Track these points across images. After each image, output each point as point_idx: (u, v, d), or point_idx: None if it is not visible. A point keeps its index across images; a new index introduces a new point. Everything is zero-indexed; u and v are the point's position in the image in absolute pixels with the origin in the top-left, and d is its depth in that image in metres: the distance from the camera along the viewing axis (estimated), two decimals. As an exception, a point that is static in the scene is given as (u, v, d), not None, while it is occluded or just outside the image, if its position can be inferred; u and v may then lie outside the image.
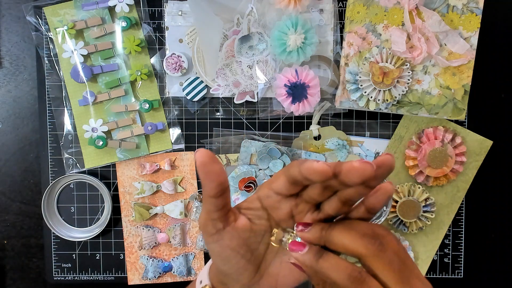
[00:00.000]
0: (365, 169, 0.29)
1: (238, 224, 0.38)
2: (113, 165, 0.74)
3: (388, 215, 0.69)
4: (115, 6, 0.69)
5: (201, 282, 0.43)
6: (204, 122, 0.73)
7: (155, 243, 0.74)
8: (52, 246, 0.75)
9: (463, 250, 0.74)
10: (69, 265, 0.75)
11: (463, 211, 0.74)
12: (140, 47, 0.70)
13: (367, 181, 0.31)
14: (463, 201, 0.73)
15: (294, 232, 0.37)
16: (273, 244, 0.38)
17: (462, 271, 0.74)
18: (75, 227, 0.75)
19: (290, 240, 0.36)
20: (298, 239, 0.36)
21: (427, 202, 0.72)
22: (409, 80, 0.66)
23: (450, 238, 0.74)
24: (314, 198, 0.35)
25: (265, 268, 0.40)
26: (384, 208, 0.68)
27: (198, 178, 0.74)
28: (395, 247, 0.32)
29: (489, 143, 0.72)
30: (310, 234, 0.35)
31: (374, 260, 0.31)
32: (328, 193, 0.35)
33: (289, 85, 0.68)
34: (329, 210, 0.36)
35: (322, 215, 0.36)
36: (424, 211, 0.72)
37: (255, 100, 0.71)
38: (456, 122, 0.72)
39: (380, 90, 0.66)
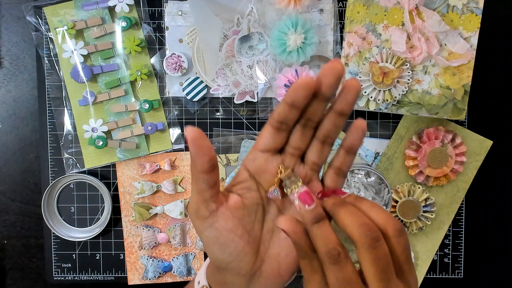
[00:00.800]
0: (336, 65, 0.32)
1: (230, 203, 0.37)
2: (113, 165, 0.74)
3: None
4: (115, 6, 0.69)
5: (199, 283, 0.42)
6: (204, 122, 0.73)
7: (155, 243, 0.74)
8: (52, 246, 0.75)
9: (463, 250, 0.74)
10: (69, 265, 0.75)
11: (463, 211, 0.74)
12: (140, 47, 0.70)
13: (338, 93, 0.34)
14: (463, 201, 0.73)
15: (299, 182, 0.35)
16: (273, 191, 0.37)
17: (462, 271, 0.74)
18: (75, 227, 0.75)
19: (296, 189, 0.35)
20: (302, 189, 0.35)
21: (427, 202, 0.72)
22: (409, 80, 0.66)
23: (450, 238, 0.74)
24: (297, 144, 0.37)
25: (264, 251, 0.38)
26: (384, 208, 0.68)
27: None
28: (396, 248, 0.32)
29: (489, 143, 0.72)
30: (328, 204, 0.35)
31: (363, 251, 0.31)
32: (309, 132, 0.36)
33: (289, 85, 0.68)
34: (312, 157, 0.37)
35: (308, 166, 0.38)
36: (424, 211, 0.72)
37: (255, 100, 0.71)
38: (456, 122, 0.72)
39: (380, 90, 0.66)
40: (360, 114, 0.72)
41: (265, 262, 0.38)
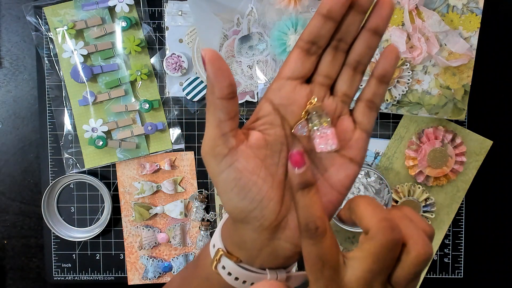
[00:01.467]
0: None
1: (251, 141, 0.32)
2: (113, 165, 0.74)
3: (388, 215, 0.68)
4: (115, 6, 0.69)
5: (214, 246, 0.37)
6: (204, 122, 0.73)
7: (155, 243, 0.74)
8: (52, 246, 0.75)
9: (463, 250, 0.74)
10: (69, 265, 0.75)
11: (463, 211, 0.74)
12: (140, 47, 0.70)
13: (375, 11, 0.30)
14: (463, 201, 0.73)
15: (325, 120, 0.32)
16: (300, 126, 0.32)
17: (462, 271, 0.74)
18: (75, 227, 0.75)
19: (319, 127, 0.31)
20: (328, 132, 0.31)
21: (427, 202, 0.72)
22: (409, 80, 0.66)
23: (450, 238, 0.74)
24: (328, 71, 0.32)
25: (289, 198, 0.33)
26: (384, 208, 0.68)
27: (198, 178, 0.74)
28: (407, 265, 0.29)
29: (489, 143, 0.72)
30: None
31: (367, 244, 0.29)
32: (340, 56, 0.32)
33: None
34: (343, 87, 0.33)
35: (338, 97, 0.33)
36: (424, 211, 0.72)
37: (255, 100, 0.71)
38: (456, 122, 0.72)
39: (380, 90, 0.66)
40: (360, 114, 0.72)
41: (291, 212, 0.33)
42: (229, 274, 0.35)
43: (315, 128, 0.32)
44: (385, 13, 0.30)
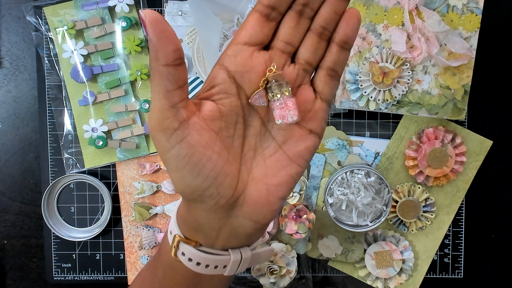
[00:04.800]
0: None
1: (204, 112, 0.30)
2: (113, 165, 0.74)
3: (388, 215, 0.69)
4: (115, 6, 0.69)
5: (171, 232, 0.34)
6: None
7: (155, 243, 0.74)
8: (52, 246, 0.75)
9: (463, 250, 0.74)
10: (69, 265, 0.75)
11: (463, 211, 0.74)
12: (140, 47, 0.70)
13: None
14: (463, 201, 0.73)
15: (286, 90, 0.30)
16: (258, 96, 0.30)
17: (462, 271, 0.74)
18: (75, 227, 0.75)
19: (279, 97, 0.30)
20: (289, 102, 0.30)
21: (427, 202, 0.72)
22: (409, 80, 0.66)
23: (450, 238, 0.74)
24: (289, 37, 0.30)
25: (247, 172, 0.32)
26: (384, 208, 0.68)
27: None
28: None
29: (489, 143, 0.72)
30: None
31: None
32: (304, 23, 0.30)
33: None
34: (306, 54, 0.30)
35: (300, 65, 0.31)
36: (424, 211, 0.72)
37: (255, 100, 0.71)
38: (456, 122, 0.72)
39: (380, 90, 0.66)
40: (360, 114, 0.73)
41: (248, 187, 0.31)
42: (190, 260, 0.33)
43: (274, 98, 0.30)
44: (353, 22, 0.30)
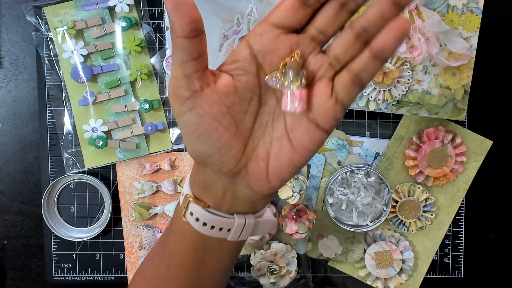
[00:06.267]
0: None
1: (219, 85, 0.30)
2: (113, 165, 0.74)
3: (388, 215, 0.69)
4: (115, 6, 0.69)
5: (183, 194, 0.36)
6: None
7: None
8: (52, 246, 0.75)
9: (463, 250, 0.74)
10: (69, 265, 0.75)
11: (463, 211, 0.74)
12: (140, 47, 0.70)
13: None
14: (463, 201, 0.73)
15: (298, 81, 0.29)
16: (275, 77, 0.30)
17: (462, 271, 0.74)
18: (75, 227, 0.75)
19: (291, 87, 0.29)
20: (297, 92, 0.29)
21: (427, 202, 0.72)
22: (409, 80, 0.66)
23: (450, 238, 0.74)
24: (324, 26, 0.29)
25: (252, 148, 0.33)
26: (384, 208, 0.68)
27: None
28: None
29: (489, 143, 0.72)
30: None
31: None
32: (344, 15, 0.29)
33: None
34: (337, 49, 0.29)
35: (328, 59, 0.29)
36: (424, 211, 0.72)
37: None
38: (456, 122, 0.72)
39: (380, 90, 0.66)
40: (360, 114, 0.73)
41: (251, 161, 0.33)
42: (197, 220, 0.35)
43: (286, 84, 0.29)
44: (396, 35, 0.27)
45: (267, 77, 0.30)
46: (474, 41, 0.65)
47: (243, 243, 0.38)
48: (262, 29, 0.30)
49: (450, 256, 0.74)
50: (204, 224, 0.35)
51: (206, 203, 0.35)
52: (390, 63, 0.65)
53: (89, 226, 0.75)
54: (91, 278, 0.75)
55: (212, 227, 0.35)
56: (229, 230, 0.35)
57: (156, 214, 0.74)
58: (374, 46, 0.27)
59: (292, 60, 0.29)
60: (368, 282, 0.73)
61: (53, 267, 0.75)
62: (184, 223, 0.36)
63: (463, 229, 0.74)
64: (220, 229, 0.35)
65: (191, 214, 0.35)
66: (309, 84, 0.30)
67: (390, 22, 0.27)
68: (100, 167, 0.74)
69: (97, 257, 0.75)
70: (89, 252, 0.75)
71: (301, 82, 0.29)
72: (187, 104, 0.30)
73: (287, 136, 0.32)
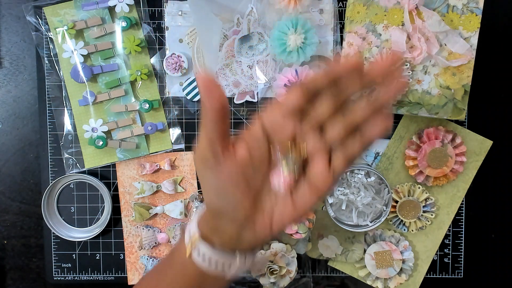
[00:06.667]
0: (395, 56, 0.32)
1: (237, 155, 0.36)
2: (113, 165, 0.74)
3: (388, 215, 0.69)
4: (115, 6, 0.69)
5: (190, 231, 0.41)
6: (204, 122, 0.73)
7: (155, 243, 0.74)
8: (52, 246, 0.75)
9: (463, 250, 0.74)
10: (69, 265, 0.75)
11: (463, 211, 0.74)
12: (140, 47, 0.70)
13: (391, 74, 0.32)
14: (463, 201, 0.73)
15: (287, 170, 0.36)
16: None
17: (462, 271, 0.74)
18: (75, 227, 0.75)
19: (283, 171, 0.36)
20: (286, 176, 0.36)
21: (427, 202, 0.72)
22: (409, 80, 0.66)
23: (450, 238, 0.74)
24: (320, 116, 0.34)
25: (260, 202, 0.38)
26: (384, 208, 0.68)
27: (198, 178, 0.74)
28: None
29: (489, 143, 0.72)
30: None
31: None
32: (338, 104, 0.34)
33: (289, 85, 0.68)
34: (332, 134, 0.34)
35: (324, 139, 0.35)
36: (424, 211, 0.72)
37: (255, 100, 0.71)
38: (456, 122, 0.72)
39: (380, 90, 0.66)
40: (360, 114, 0.72)
41: (258, 213, 0.38)
42: (203, 258, 0.39)
43: (282, 165, 0.36)
44: (395, 89, 0.33)
45: (277, 152, 0.37)
46: (474, 41, 0.65)
47: (235, 277, 0.43)
48: (273, 114, 0.36)
49: (450, 256, 0.74)
50: (209, 261, 0.39)
51: (214, 242, 0.40)
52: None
53: (89, 226, 0.75)
54: (91, 278, 0.75)
55: (216, 264, 0.40)
56: (229, 266, 0.40)
57: (156, 214, 0.74)
58: (365, 138, 0.34)
59: (293, 150, 0.35)
60: (368, 282, 0.73)
61: (53, 267, 0.75)
62: (186, 258, 0.40)
63: (463, 229, 0.74)
64: (222, 266, 0.40)
65: (198, 252, 0.40)
66: (308, 157, 0.36)
67: (378, 118, 0.33)
68: (100, 167, 0.74)
69: (97, 257, 0.75)
70: (89, 252, 0.75)
71: (293, 171, 0.35)
72: (211, 171, 0.36)
73: (291, 197, 0.37)
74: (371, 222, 0.69)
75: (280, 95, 0.37)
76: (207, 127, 0.35)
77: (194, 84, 0.71)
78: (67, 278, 0.75)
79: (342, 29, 0.70)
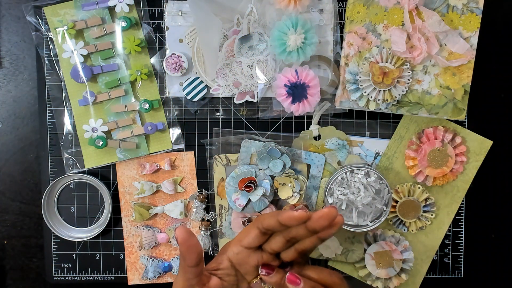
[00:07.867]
0: (331, 212, 0.41)
1: (211, 285, 0.46)
2: (113, 165, 0.74)
3: (388, 215, 0.69)
4: (115, 6, 0.69)
5: None
6: (204, 122, 0.73)
7: (155, 243, 0.74)
8: (52, 246, 0.75)
9: (463, 250, 0.74)
10: (69, 265, 0.75)
11: (463, 211, 0.74)
12: (140, 47, 0.70)
13: (327, 227, 0.42)
14: (463, 201, 0.73)
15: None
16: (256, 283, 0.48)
17: (462, 271, 0.74)
18: (75, 227, 0.75)
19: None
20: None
21: (427, 202, 0.72)
22: (409, 80, 0.66)
23: (450, 238, 0.74)
24: (276, 249, 0.45)
25: None
26: (384, 208, 0.68)
27: (198, 178, 0.74)
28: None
29: (489, 143, 0.72)
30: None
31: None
32: (289, 244, 0.45)
33: (289, 85, 0.68)
34: (286, 258, 0.46)
35: (279, 262, 0.47)
36: (424, 211, 0.72)
37: (255, 100, 0.71)
38: (456, 122, 0.72)
39: (380, 90, 0.66)
40: (360, 114, 0.73)
41: None
42: None
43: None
44: (333, 231, 0.42)
45: (255, 281, 0.48)
46: (474, 41, 0.65)
47: None
48: (237, 249, 0.47)
49: (450, 256, 0.74)
50: None
51: None
52: (390, 63, 0.65)
53: (89, 226, 0.75)
54: (91, 278, 0.75)
55: None
56: None
57: (156, 214, 0.74)
58: (298, 248, 0.46)
59: (260, 278, 0.47)
60: (368, 282, 0.73)
61: (53, 267, 0.75)
62: None
63: (463, 229, 0.74)
64: None
65: None
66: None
67: (319, 236, 0.44)
68: (100, 167, 0.74)
69: (97, 257, 0.75)
70: (89, 252, 0.75)
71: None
72: None
73: None
74: (371, 222, 0.69)
75: (241, 233, 0.48)
76: (187, 272, 0.44)
77: (194, 84, 0.71)
78: (67, 278, 0.75)
79: (342, 29, 0.70)
